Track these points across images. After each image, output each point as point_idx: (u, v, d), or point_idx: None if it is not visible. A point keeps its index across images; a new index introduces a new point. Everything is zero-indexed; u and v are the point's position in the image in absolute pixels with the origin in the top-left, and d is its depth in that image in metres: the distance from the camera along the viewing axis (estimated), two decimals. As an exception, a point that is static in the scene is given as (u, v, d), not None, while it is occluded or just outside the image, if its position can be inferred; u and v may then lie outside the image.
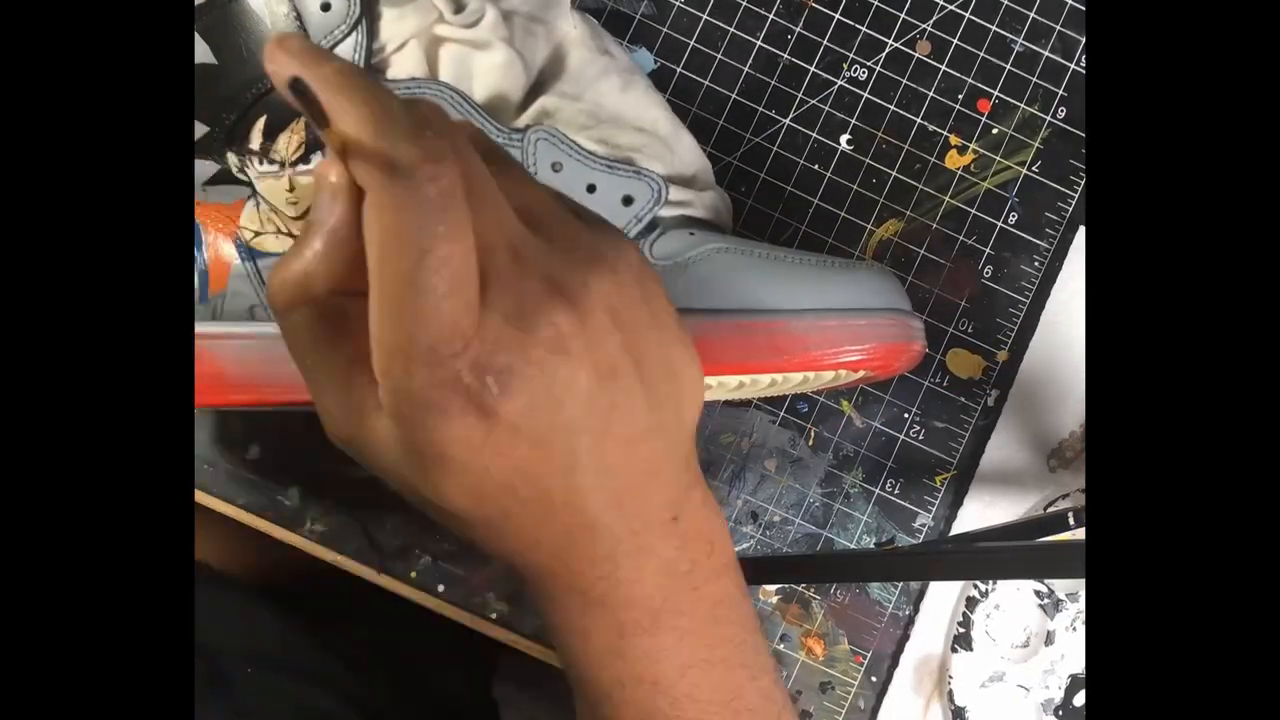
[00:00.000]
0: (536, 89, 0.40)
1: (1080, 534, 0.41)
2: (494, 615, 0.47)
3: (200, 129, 0.38)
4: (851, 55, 0.49)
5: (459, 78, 0.38)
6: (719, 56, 0.49)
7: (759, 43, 0.49)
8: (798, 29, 0.49)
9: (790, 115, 0.48)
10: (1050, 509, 0.47)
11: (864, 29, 0.49)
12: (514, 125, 0.38)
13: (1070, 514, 0.41)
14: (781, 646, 0.47)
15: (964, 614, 0.47)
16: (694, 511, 0.29)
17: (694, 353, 0.29)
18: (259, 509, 0.47)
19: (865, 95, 0.49)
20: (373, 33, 0.37)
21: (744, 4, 0.49)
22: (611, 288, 0.26)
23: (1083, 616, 0.47)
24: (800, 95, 0.49)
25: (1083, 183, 0.48)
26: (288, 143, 0.37)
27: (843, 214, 0.48)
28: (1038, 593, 0.47)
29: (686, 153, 0.42)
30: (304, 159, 0.37)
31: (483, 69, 0.38)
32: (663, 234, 0.39)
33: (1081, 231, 0.48)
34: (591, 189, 0.38)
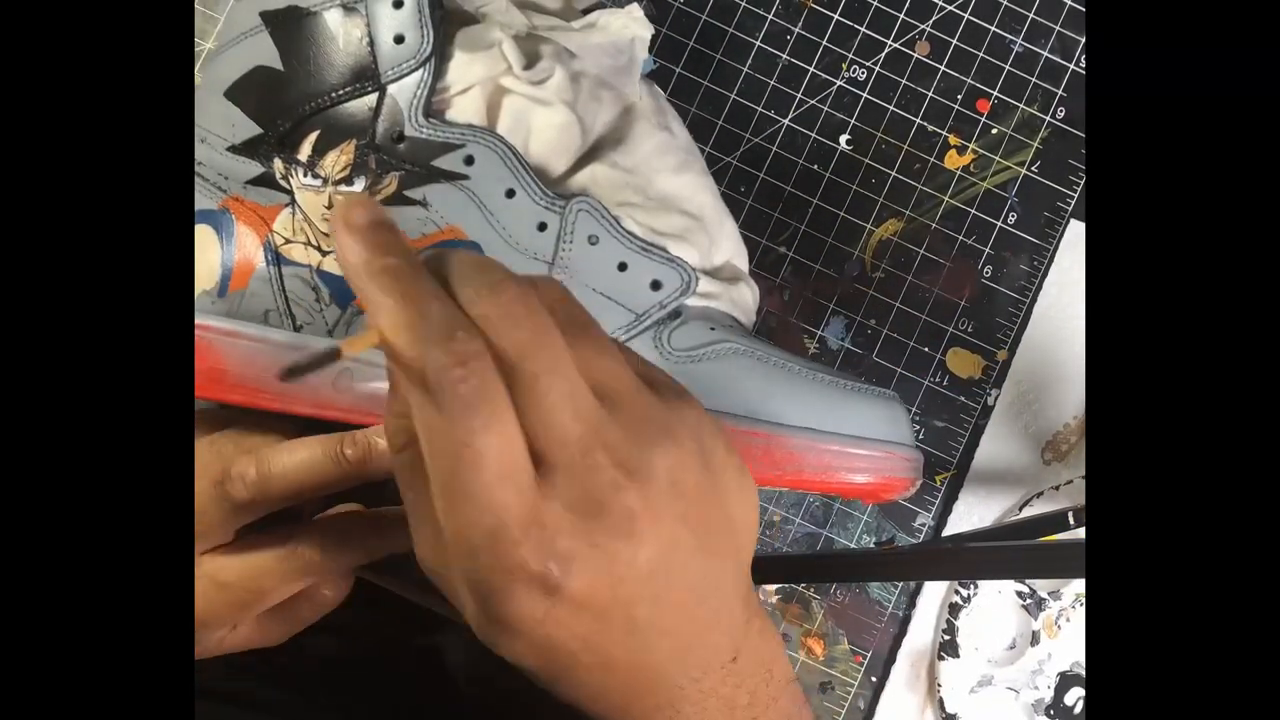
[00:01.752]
0: (590, 153, 0.40)
1: (1080, 533, 0.41)
2: (494, 615, 0.47)
3: (252, 130, 0.38)
4: (850, 56, 0.49)
5: (515, 131, 0.39)
6: (718, 57, 0.49)
7: (758, 43, 0.49)
8: (797, 29, 0.49)
9: (789, 115, 0.49)
10: (1026, 507, 0.47)
11: (863, 29, 0.49)
12: (559, 191, 0.39)
13: (1070, 514, 0.41)
14: (781, 646, 0.48)
15: (948, 620, 0.47)
16: (753, 645, 0.30)
17: (750, 488, 0.29)
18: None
19: (864, 95, 0.49)
20: (440, 72, 0.38)
21: (743, 4, 0.49)
22: (676, 460, 0.27)
23: (1066, 614, 0.47)
24: (799, 95, 0.49)
25: (1082, 182, 0.48)
26: (334, 161, 0.38)
27: (842, 214, 0.48)
28: (1019, 594, 0.47)
29: (726, 240, 0.42)
30: (347, 180, 0.38)
31: (540, 126, 0.39)
32: (683, 324, 0.39)
33: (1071, 227, 0.48)
34: (623, 268, 0.39)
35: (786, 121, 0.49)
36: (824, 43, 0.49)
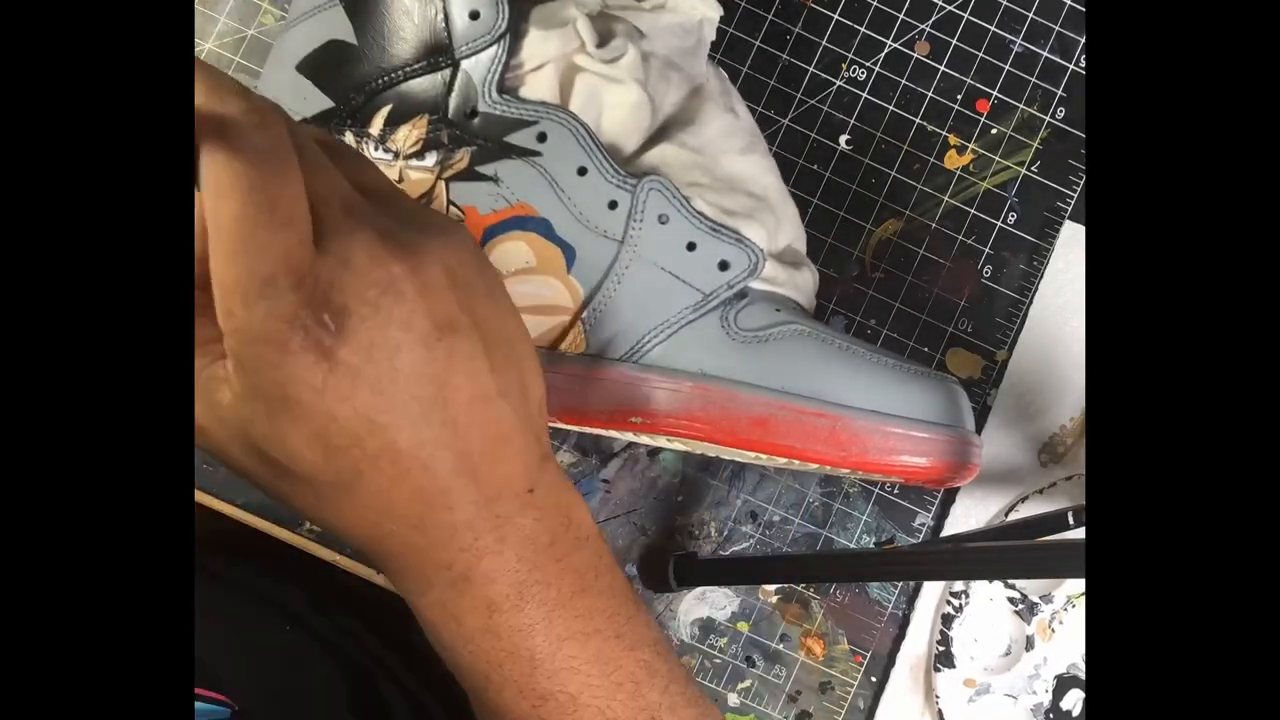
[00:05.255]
0: (658, 134, 0.41)
1: (1080, 533, 0.41)
2: (494, 615, 0.47)
3: (324, 103, 0.38)
4: (850, 56, 0.49)
5: (587, 109, 0.39)
6: (718, 57, 0.49)
7: (758, 43, 0.49)
8: (796, 29, 0.49)
9: (789, 115, 0.49)
10: (1013, 512, 0.47)
11: (863, 29, 0.49)
12: (630, 170, 0.39)
13: (1070, 514, 0.41)
14: (781, 646, 0.47)
15: (941, 632, 0.47)
16: (550, 485, 0.30)
17: (529, 334, 0.30)
18: (259, 509, 0.47)
19: (864, 95, 0.49)
20: (514, 49, 0.38)
21: (743, 4, 0.49)
22: (447, 249, 0.27)
23: (1059, 617, 0.47)
24: (799, 95, 0.49)
25: (1082, 182, 0.48)
26: (407, 136, 0.38)
27: (842, 214, 0.48)
28: (1011, 600, 0.47)
29: (789, 222, 0.42)
30: (419, 155, 0.38)
31: (612, 104, 0.39)
32: (749, 305, 0.39)
33: (1066, 227, 0.48)
34: (692, 247, 0.39)
35: (786, 121, 0.49)
36: (824, 43, 0.49)
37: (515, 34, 0.38)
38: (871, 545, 0.48)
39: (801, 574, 0.45)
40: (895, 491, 0.48)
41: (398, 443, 0.26)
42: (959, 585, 0.47)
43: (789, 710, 0.47)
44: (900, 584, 0.48)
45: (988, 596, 0.47)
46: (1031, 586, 0.47)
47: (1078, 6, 0.49)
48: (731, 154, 0.41)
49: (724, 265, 0.39)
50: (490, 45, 0.37)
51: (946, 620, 0.47)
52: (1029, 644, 0.46)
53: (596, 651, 0.30)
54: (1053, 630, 0.46)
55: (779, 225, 0.41)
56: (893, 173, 0.48)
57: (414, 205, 0.28)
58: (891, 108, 0.49)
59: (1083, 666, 0.46)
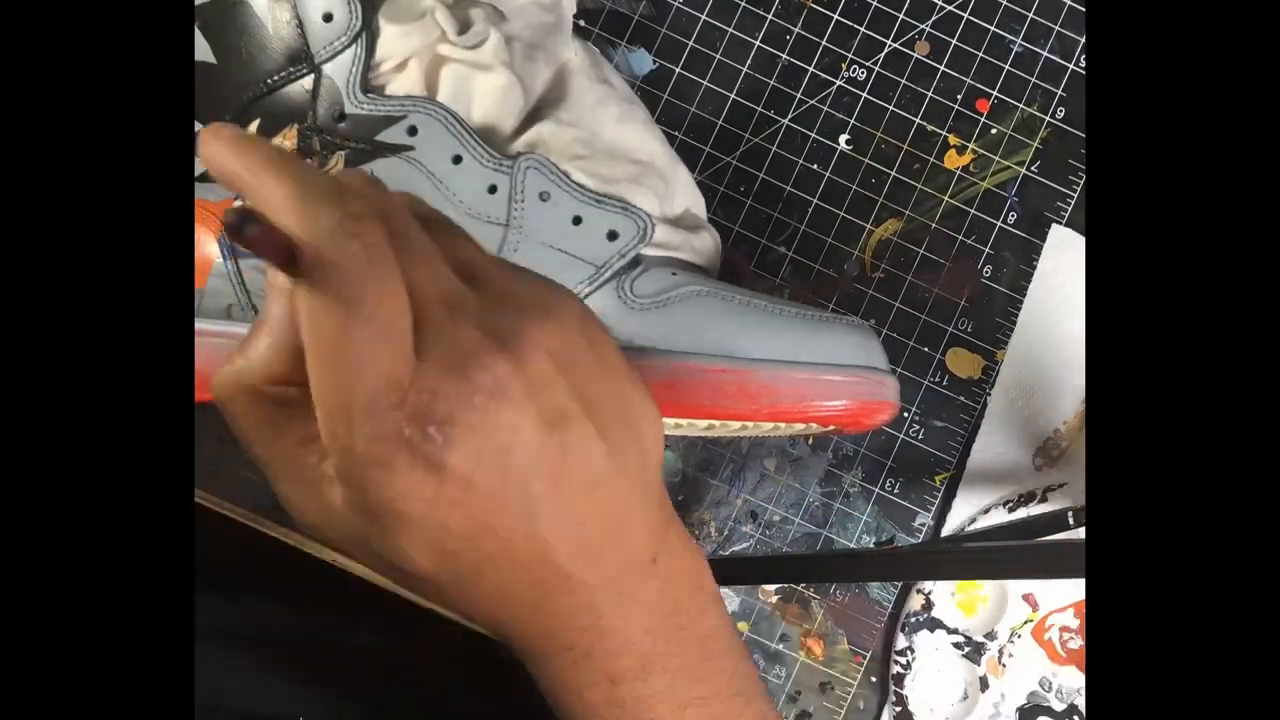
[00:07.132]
0: (533, 115, 0.40)
1: (1080, 533, 0.41)
2: (494, 615, 0.47)
3: (195, 126, 0.38)
4: (850, 55, 0.49)
5: (457, 98, 0.38)
6: (718, 57, 0.49)
7: (758, 43, 0.49)
8: (796, 29, 0.49)
9: (789, 115, 0.49)
10: (993, 510, 0.47)
11: (863, 29, 0.49)
12: (506, 151, 0.39)
13: (1070, 514, 0.41)
14: (781, 646, 0.47)
15: (895, 693, 0.46)
16: (672, 550, 0.29)
17: (648, 394, 0.29)
18: (259, 509, 0.47)
19: (864, 95, 0.49)
20: (374, 47, 0.38)
21: (743, 4, 0.49)
22: (551, 333, 0.26)
23: (1007, 650, 0.46)
24: (799, 95, 0.49)
25: (1082, 182, 0.48)
26: None
27: (842, 214, 0.48)
28: (956, 645, 0.46)
29: (682, 186, 0.42)
30: None
31: (482, 91, 0.39)
32: (645, 272, 0.39)
33: (1055, 231, 0.48)
34: (578, 221, 0.39)
35: (786, 121, 0.49)
36: (824, 43, 0.49)
37: (372, 32, 0.37)
38: (871, 545, 0.48)
39: (801, 574, 0.46)
40: (895, 491, 0.48)
41: (513, 542, 0.26)
42: (902, 643, 0.46)
43: (789, 710, 0.47)
44: (900, 584, 0.48)
45: (933, 646, 0.46)
46: (973, 626, 0.46)
47: (1078, 6, 0.49)
48: (609, 123, 0.41)
49: (613, 235, 0.39)
50: (348, 46, 0.37)
51: (898, 680, 0.46)
52: (983, 684, 0.46)
53: (718, 713, 0.30)
54: (1003, 665, 0.46)
55: (670, 190, 0.41)
56: (893, 173, 0.48)
57: (511, 280, 0.28)
58: (891, 108, 0.49)
59: (1042, 694, 0.46)
